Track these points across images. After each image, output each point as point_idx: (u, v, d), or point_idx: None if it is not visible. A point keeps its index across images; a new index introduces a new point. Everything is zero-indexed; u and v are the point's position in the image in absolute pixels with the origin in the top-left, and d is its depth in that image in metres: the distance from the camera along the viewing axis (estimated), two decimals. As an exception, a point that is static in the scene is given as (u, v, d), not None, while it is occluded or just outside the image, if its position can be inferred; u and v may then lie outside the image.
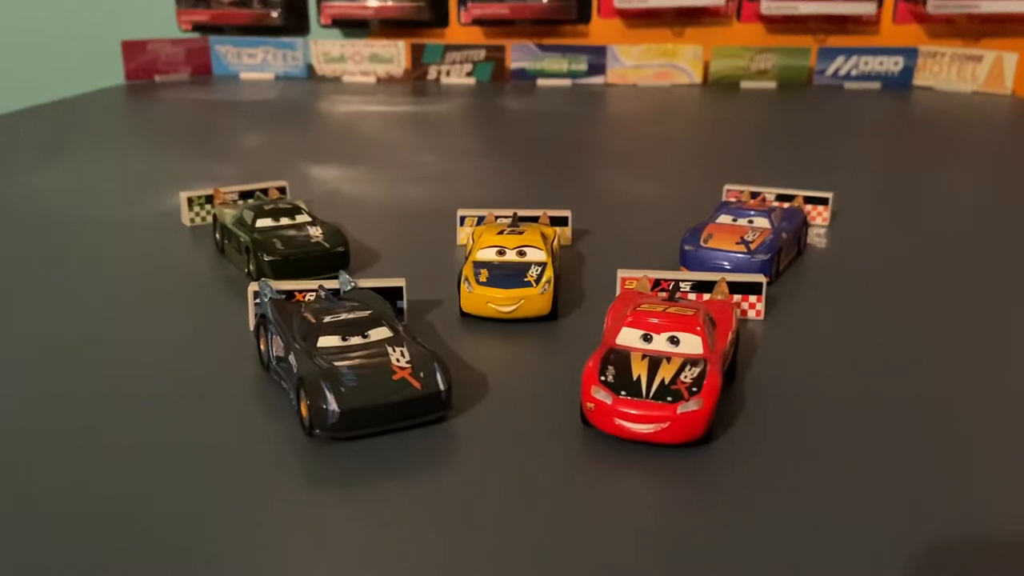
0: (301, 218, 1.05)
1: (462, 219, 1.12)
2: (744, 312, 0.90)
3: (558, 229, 1.04)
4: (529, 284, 0.88)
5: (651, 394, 0.66)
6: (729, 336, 0.75)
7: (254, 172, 1.44)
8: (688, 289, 0.88)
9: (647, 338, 0.71)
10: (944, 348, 0.85)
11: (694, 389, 0.66)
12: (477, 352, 0.83)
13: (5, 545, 0.56)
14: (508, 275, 0.89)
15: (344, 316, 0.74)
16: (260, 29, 2.63)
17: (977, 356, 0.84)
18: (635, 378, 0.67)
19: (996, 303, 0.97)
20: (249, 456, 0.66)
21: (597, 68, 2.55)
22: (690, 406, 0.65)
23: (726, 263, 0.98)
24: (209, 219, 1.19)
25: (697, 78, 2.53)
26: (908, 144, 1.93)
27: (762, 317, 0.90)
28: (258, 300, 0.82)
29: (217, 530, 0.58)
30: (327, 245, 1.00)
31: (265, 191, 1.20)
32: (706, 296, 0.87)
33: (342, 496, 0.62)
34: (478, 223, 1.07)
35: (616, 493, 0.63)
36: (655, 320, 0.72)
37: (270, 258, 0.96)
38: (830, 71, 2.51)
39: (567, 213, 1.12)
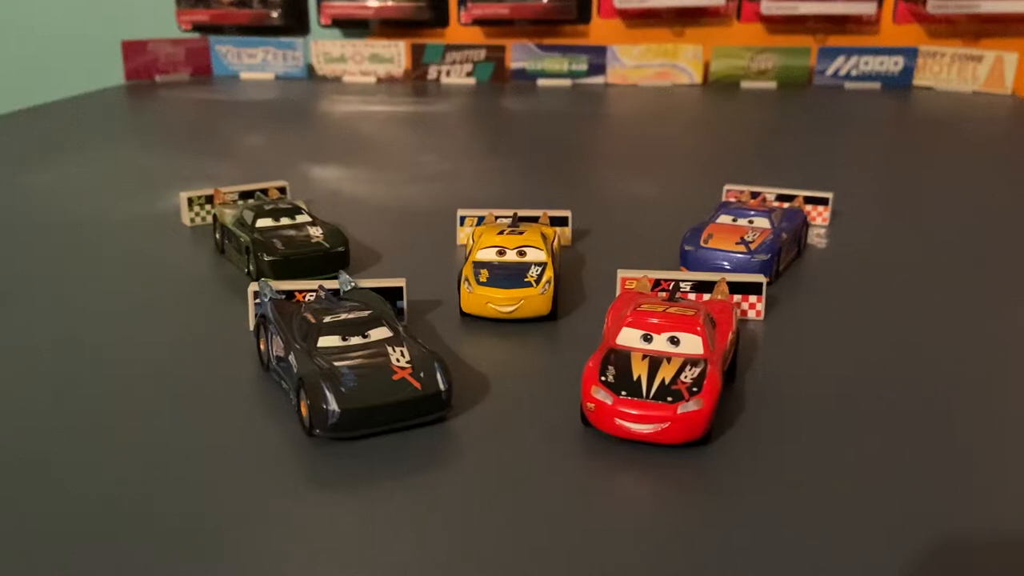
0: (301, 218, 1.05)
1: (462, 219, 1.12)
2: (744, 312, 0.90)
3: (558, 229, 1.04)
4: (529, 284, 0.88)
5: (651, 394, 0.66)
6: (729, 336, 0.75)
7: (254, 172, 1.44)
8: (688, 289, 0.88)
9: (647, 338, 0.71)
10: (944, 348, 0.85)
11: (694, 389, 0.66)
12: (477, 352, 0.83)
13: (5, 545, 0.56)
14: (508, 275, 0.89)
15: (344, 316, 0.74)
16: (260, 29, 2.63)
17: (978, 356, 0.84)
18: (635, 378, 0.67)
19: (996, 303, 0.97)
20: (249, 456, 0.66)
21: (597, 68, 2.55)
22: (690, 406, 0.65)
23: (726, 263, 0.98)
24: (209, 219, 1.19)
25: (697, 78, 2.53)
26: (908, 144, 1.93)
27: (762, 317, 0.90)
28: (258, 300, 0.82)
29: (217, 530, 0.58)
30: (327, 245, 1.00)
31: (265, 191, 1.20)
32: (706, 296, 0.87)
33: (342, 496, 0.62)
34: (478, 223, 1.06)
35: (616, 493, 0.63)
36: (655, 320, 0.72)
37: (270, 258, 0.96)
38: (830, 71, 2.51)
39: (567, 213, 1.12)
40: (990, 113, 2.19)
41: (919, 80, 2.48)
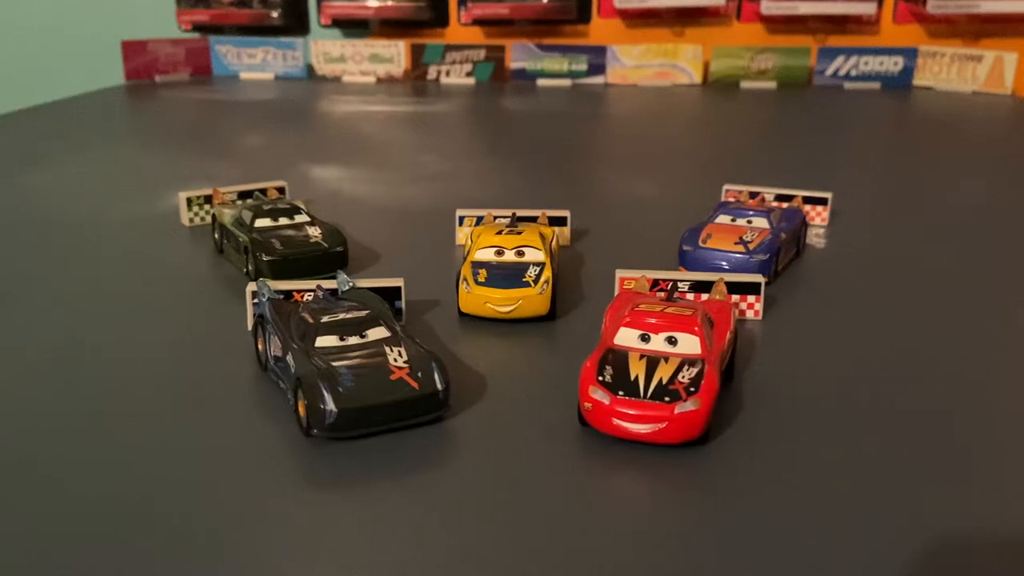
0: (300, 218, 1.05)
1: (461, 219, 1.12)
2: (742, 312, 0.90)
3: (557, 229, 1.04)
4: (527, 284, 0.88)
5: (649, 394, 0.66)
6: (727, 336, 0.75)
7: (254, 172, 1.44)
8: (686, 289, 0.88)
9: (645, 338, 0.71)
10: (943, 348, 0.85)
11: (692, 389, 0.66)
12: (475, 352, 0.83)
13: (5, 545, 0.56)
14: (506, 275, 0.89)
15: (342, 316, 0.74)
16: (260, 29, 2.63)
17: (977, 356, 0.84)
18: (633, 378, 0.67)
19: (995, 304, 0.97)
20: (248, 456, 0.66)
21: (597, 68, 2.55)
22: (688, 406, 0.65)
23: (724, 263, 0.98)
24: (208, 219, 1.19)
25: (697, 78, 2.53)
26: (908, 144, 1.93)
27: (760, 317, 0.90)
28: (256, 300, 0.82)
29: (216, 530, 0.58)
30: (326, 245, 1.00)
31: (264, 191, 1.20)
32: (704, 296, 0.87)
33: (340, 496, 0.62)
34: (477, 223, 1.06)
35: (614, 493, 0.63)
36: (653, 320, 0.72)
37: (268, 258, 0.97)
38: (830, 71, 2.51)
39: (566, 213, 1.12)
40: (990, 113, 2.19)
41: (919, 80, 2.48)
